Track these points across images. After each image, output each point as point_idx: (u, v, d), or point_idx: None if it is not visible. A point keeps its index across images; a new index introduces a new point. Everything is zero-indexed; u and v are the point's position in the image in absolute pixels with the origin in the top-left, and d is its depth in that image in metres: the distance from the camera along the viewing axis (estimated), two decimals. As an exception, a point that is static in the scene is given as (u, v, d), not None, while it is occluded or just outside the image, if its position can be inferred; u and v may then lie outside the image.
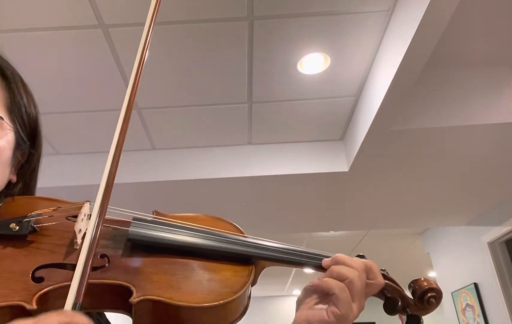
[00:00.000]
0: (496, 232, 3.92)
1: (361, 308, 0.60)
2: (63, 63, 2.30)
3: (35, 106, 0.71)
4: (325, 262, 0.64)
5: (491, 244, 4.03)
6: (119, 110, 0.57)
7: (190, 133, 3.04)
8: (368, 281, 0.61)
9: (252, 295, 0.62)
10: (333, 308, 0.58)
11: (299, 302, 0.65)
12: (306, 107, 2.80)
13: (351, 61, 2.42)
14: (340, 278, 0.59)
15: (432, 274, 6.39)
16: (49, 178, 3.00)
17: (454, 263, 4.72)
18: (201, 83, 2.54)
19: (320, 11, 2.07)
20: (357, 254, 0.66)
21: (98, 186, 0.53)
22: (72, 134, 2.93)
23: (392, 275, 0.69)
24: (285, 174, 3.12)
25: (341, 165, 3.13)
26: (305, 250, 0.66)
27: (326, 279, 0.60)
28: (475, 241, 4.26)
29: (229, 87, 2.58)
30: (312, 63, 2.41)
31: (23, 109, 0.67)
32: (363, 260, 0.64)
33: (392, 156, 2.91)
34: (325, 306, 0.60)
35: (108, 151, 0.55)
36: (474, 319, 4.31)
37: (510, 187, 3.47)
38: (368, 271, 0.62)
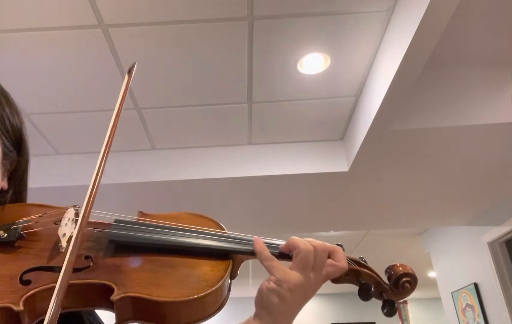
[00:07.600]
0: (496, 232, 3.92)
1: (309, 280, 0.64)
2: (63, 63, 2.30)
3: (18, 116, 0.74)
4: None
5: (491, 244, 4.03)
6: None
7: (190, 133, 3.04)
8: (332, 261, 0.67)
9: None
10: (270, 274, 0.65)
11: None
12: (306, 107, 2.80)
13: (351, 61, 2.42)
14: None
15: (432, 274, 6.39)
16: (49, 178, 2.99)
17: (454, 263, 4.72)
18: (201, 83, 2.54)
19: (320, 11, 2.08)
20: (337, 243, 0.70)
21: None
22: (72, 134, 2.93)
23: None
24: (285, 174, 3.12)
25: (341, 165, 3.13)
26: (277, 241, 0.69)
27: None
28: (475, 241, 4.26)
29: (229, 87, 2.58)
30: (312, 63, 2.41)
31: (7, 121, 0.70)
32: (320, 242, 0.68)
33: (392, 156, 2.91)
34: None
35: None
36: (474, 319, 4.31)
37: (510, 187, 3.47)
38: (331, 253, 0.68)
